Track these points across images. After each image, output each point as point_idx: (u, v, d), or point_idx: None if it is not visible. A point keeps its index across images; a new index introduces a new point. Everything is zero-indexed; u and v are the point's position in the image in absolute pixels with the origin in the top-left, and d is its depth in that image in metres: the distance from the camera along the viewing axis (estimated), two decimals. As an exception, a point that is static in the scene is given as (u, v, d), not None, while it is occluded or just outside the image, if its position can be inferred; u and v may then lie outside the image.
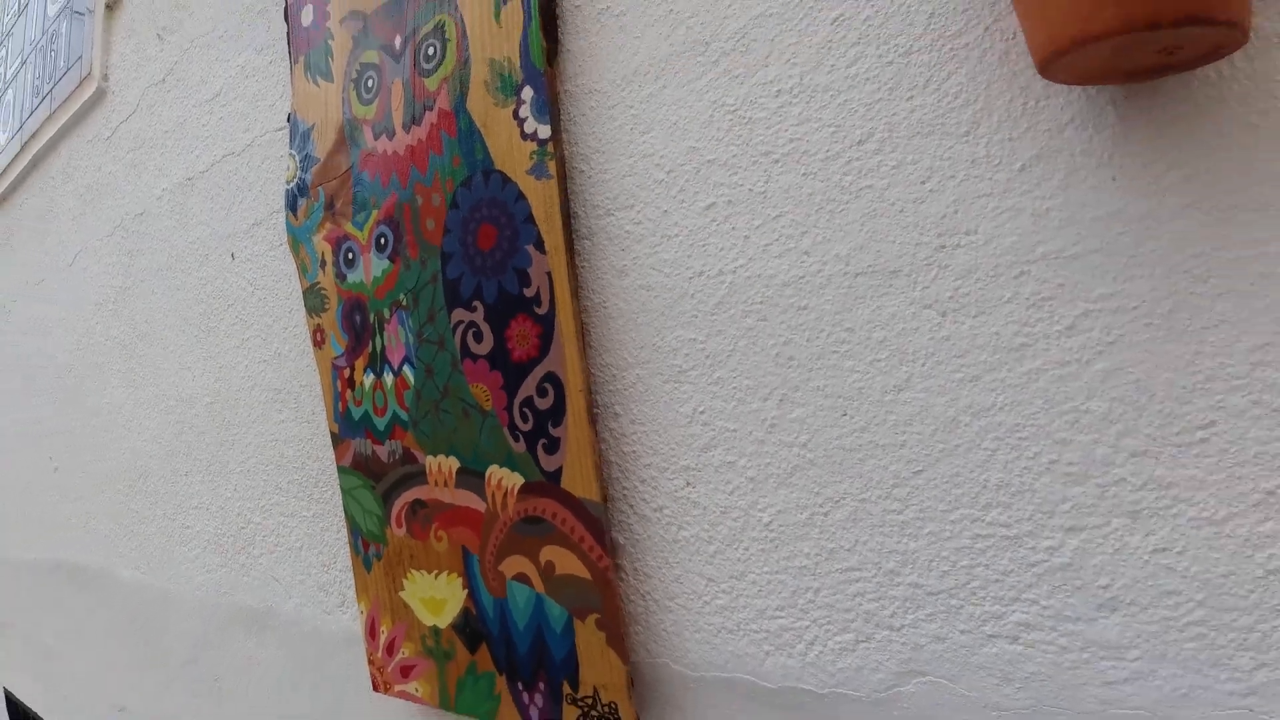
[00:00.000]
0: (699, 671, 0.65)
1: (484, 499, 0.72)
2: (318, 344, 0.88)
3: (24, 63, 2.15)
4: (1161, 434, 0.50)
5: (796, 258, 0.59)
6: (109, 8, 1.57)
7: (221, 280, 1.13)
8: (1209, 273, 0.47)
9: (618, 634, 0.64)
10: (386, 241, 0.79)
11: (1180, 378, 0.49)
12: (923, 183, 0.56)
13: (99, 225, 1.53)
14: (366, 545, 0.84)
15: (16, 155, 1.99)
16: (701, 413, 0.63)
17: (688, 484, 0.64)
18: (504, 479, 0.70)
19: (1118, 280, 0.52)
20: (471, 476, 0.73)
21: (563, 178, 0.68)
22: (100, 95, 1.55)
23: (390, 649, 0.83)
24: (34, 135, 1.88)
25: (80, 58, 1.71)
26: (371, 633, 0.85)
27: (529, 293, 0.67)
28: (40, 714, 2.37)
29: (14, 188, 2.00)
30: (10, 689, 2.63)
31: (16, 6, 2.32)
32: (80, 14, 1.75)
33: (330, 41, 0.88)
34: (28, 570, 2.02)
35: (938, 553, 0.55)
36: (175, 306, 1.25)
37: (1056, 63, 0.47)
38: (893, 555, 0.56)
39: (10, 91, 2.22)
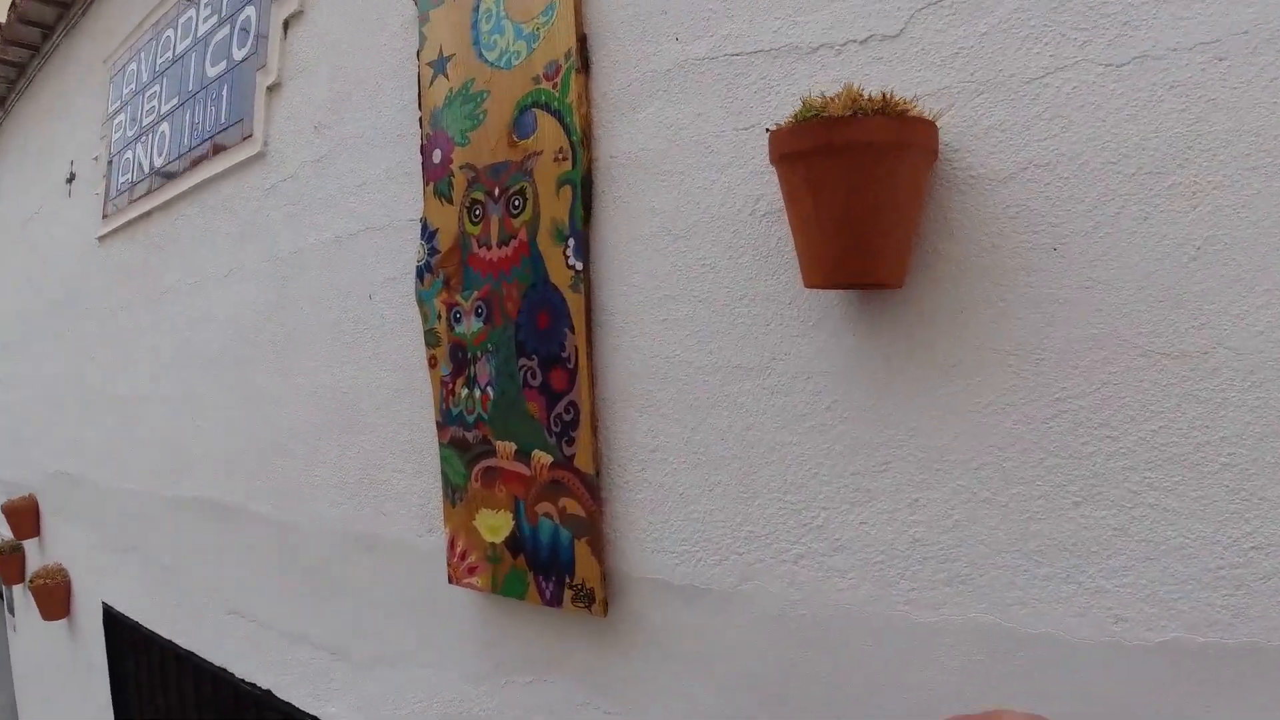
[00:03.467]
0: (639, 573, 1.18)
1: (529, 468, 1.25)
2: (432, 365, 1.42)
3: (181, 105, 2.72)
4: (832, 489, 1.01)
5: (699, 353, 1.12)
6: (269, 90, 2.13)
7: (360, 310, 1.68)
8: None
9: (599, 549, 1.17)
10: (483, 311, 1.33)
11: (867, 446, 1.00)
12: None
13: (256, 251, 2.08)
14: (454, 492, 1.38)
15: (179, 177, 2.56)
16: (652, 431, 1.16)
17: (642, 468, 1.17)
18: (542, 458, 1.23)
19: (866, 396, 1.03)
20: (523, 455, 1.26)
21: (588, 293, 1.21)
22: (261, 156, 2.11)
23: (463, 556, 1.37)
24: (197, 167, 2.45)
25: (242, 120, 2.28)
26: (451, 546, 1.39)
27: (564, 354, 1.21)
28: (140, 621, 2.96)
29: (173, 202, 2.58)
30: (111, 603, 3.23)
31: (171, 55, 2.89)
32: (243, 86, 2.31)
33: (452, 178, 1.42)
34: (163, 504, 2.60)
35: (775, 516, 1.07)
36: (321, 322, 1.80)
37: (810, 284, 0.98)
38: (743, 522, 1.08)
39: (165, 124, 2.80)
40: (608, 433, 1.21)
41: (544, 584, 1.25)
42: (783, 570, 1.06)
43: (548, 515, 1.24)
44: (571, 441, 1.20)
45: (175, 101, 2.78)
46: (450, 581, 1.40)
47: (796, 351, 1.05)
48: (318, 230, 1.84)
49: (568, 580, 1.21)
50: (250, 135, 2.21)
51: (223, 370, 2.21)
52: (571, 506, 1.20)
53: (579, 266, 1.20)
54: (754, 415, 1.08)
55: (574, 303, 1.20)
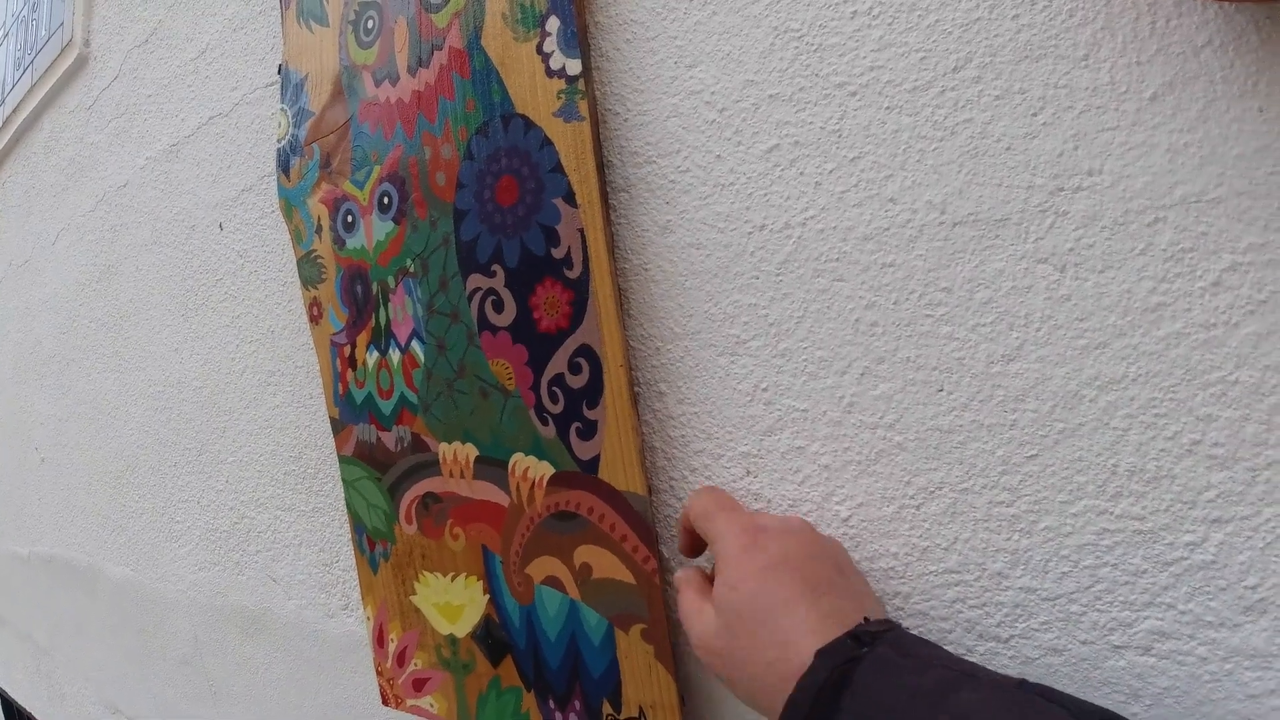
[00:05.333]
0: (759, 688, 0.56)
1: (507, 492, 0.63)
2: (314, 319, 0.79)
3: (6, 36, 2.06)
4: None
5: (880, 206, 0.50)
6: (89, -32, 1.47)
7: (209, 253, 1.04)
8: None
9: (666, 646, 0.56)
10: (390, 201, 0.70)
11: (1356, 341, 0.40)
12: (1033, 115, 0.47)
13: (82, 200, 1.43)
14: (372, 544, 0.76)
15: (1, 129, 1.90)
16: (764, 390, 0.54)
17: (748, 473, 0.55)
18: (530, 469, 0.61)
19: (1268, 229, 0.43)
20: (492, 466, 0.64)
21: (595, 120, 0.58)
22: (82, 62, 1.46)
23: (401, 659, 0.75)
24: (15, 109, 1.79)
25: (62, 24, 1.61)
26: (379, 640, 0.77)
27: (558, 253, 0.58)
28: (34, 714, 2.31)
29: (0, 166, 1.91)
30: (5, 687, 2.57)
31: (-1, -22, 2.21)
32: (60, -22, 1.65)
33: (325, -19, 0.79)
34: (22, 565, 1.94)
35: (1055, 551, 0.46)
36: (161, 283, 1.16)
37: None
38: (1000, 555, 0.48)
39: (-7, 67, 2.13)
40: (663, 405, 0.59)
41: (556, 714, 0.63)
42: (1119, 663, 0.45)
43: (553, 583, 0.61)
44: (590, 430, 0.58)
45: (1, 34, 2.13)
46: (385, 703, 0.78)
47: (1118, 164, 0.45)
48: (148, 143, 1.19)
49: (607, 707, 0.60)
50: (70, 40, 1.55)
51: (55, 374, 1.55)
52: (602, 563, 0.58)
53: (573, 69, 0.58)
54: (1023, 327, 0.47)
55: (569, 142, 0.58)
